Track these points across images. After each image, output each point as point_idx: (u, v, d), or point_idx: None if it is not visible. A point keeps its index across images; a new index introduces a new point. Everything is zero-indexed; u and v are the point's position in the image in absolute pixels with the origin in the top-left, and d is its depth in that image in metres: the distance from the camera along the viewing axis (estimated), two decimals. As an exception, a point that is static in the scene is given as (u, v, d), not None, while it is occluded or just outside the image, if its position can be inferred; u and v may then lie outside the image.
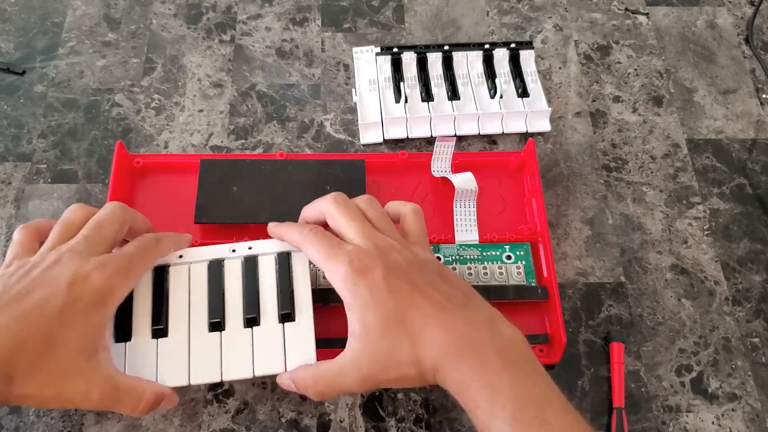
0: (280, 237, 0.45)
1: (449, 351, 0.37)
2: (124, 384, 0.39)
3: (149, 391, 0.40)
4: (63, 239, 0.41)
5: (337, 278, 0.40)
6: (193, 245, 0.50)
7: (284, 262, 0.45)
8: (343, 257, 0.39)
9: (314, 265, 0.47)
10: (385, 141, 0.58)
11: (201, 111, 0.59)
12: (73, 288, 0.38)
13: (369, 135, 0.58)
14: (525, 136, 0.58)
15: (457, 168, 0.54)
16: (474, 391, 0.36)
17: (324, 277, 0.48)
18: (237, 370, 0.42)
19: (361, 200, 0.44)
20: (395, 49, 0.60)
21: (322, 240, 0.42)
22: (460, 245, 0.51)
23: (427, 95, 0.59)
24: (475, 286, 0.49)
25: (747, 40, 0.65)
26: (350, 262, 0.39)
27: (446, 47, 0.60)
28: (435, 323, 0.38)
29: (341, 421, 0.46)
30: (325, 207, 0.43)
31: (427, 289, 0.39)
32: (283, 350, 0.42)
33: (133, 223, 0.44)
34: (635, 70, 0.63)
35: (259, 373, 0.42)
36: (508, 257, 0.51)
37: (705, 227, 0.55)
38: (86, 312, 0.38)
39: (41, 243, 0.42)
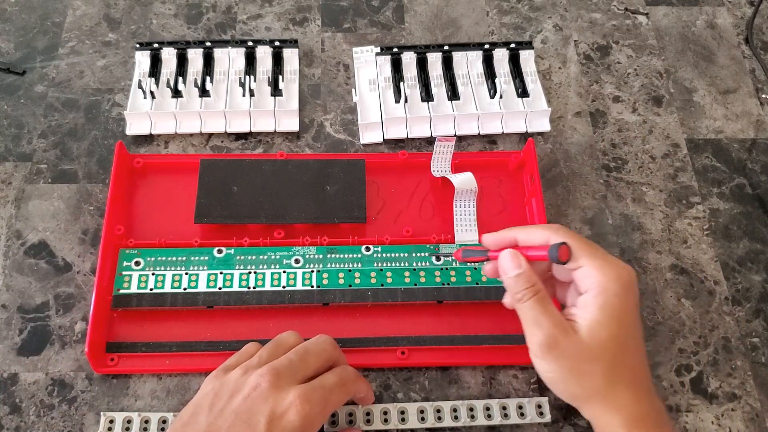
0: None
1: None
2: None
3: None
4: (271, 357, 0.41)
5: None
6: (193, 245, 0.51)
7: None
8: None
9: None
10: (385, 141, 0.58)
11: (201, 111, 0.59)
12: (271, 427, 0.38)
13: (369, 135, 0.58)
14: (525, 136, 0.58)
15: (457, 168, 0.54)
16: None
17: None
18: None
19: None
20: (395, 49, 0.60)
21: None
22: (460, 245, 0.52)
23: (427, 95, 0.59)
24: (474, 287, 0.50)
25: (747, 40, 0.65)
26: None
27: (446, 47, 0.60)
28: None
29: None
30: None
31: None
32: None
33: (337, 361, 0.43)
34: (635, 70, 0.63)
35: None
36: (508, 257, 0.51)
37: (705, 227, 0.55)
38: None
39: None
